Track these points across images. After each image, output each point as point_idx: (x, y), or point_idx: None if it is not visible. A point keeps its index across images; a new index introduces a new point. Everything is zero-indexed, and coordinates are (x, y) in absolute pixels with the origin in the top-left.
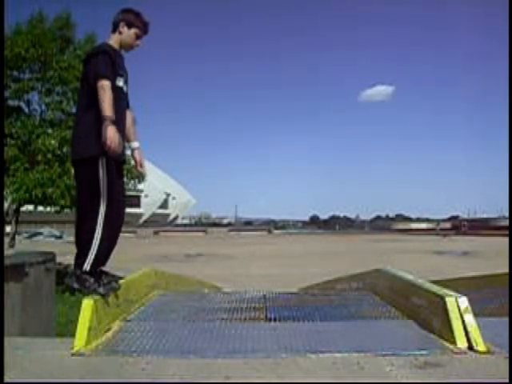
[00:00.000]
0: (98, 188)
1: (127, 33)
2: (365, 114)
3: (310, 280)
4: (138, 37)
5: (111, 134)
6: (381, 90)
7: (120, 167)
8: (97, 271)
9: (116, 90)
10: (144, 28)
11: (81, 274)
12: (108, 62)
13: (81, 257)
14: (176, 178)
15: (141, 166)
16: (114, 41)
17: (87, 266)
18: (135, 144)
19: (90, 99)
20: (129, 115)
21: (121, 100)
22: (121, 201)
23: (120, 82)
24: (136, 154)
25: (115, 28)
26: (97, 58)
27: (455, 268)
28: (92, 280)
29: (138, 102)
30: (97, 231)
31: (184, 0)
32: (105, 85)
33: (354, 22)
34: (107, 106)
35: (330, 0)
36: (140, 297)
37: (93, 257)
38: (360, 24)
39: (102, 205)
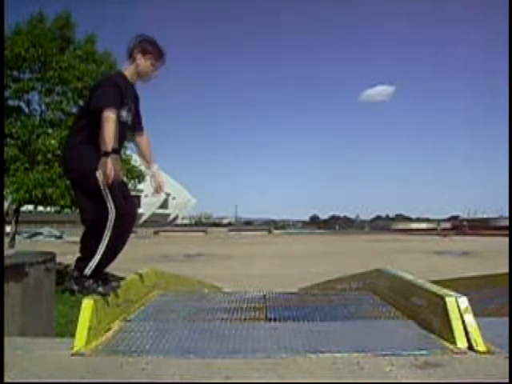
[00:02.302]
0: (102, 198)
1: (143, 63)
2: (365, 114)
3: (311, 280)
4: (154, 66)
5: (110, 165)
6: (381, 90)
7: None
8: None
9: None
10: (160, 57)
11: (80, 276)
12: (117, 94)
13: (83, 261)
14: (176, 178)
15: (161, 188)
16: (129, 71)
17: (88, 271)
18: (154, 167)
19: (88, 120)
20: (145, 138)
21: (123, 129)
22: (131, 208)
23: (123, 113)
24: (157, 177)
25: (130, 55)
26: (106, 89)
27: (455, 268)
28: (91, 281)
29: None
30: (104, 239)
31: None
32: (110, 117)
33: (355, 22)
34: (109, 140)
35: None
36: (140, 297)
37: (95, 263)
38: (361, 24)
39: (111, 212)
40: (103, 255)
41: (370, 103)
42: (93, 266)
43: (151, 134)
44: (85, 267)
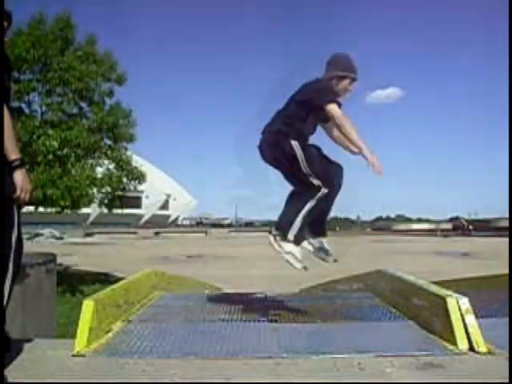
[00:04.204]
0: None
1: (340, 87)
2: (371, 116)
3: (311, 281)
4: (350, 85)
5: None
6: (389, 93)
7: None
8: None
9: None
10: (354, 76)
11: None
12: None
13: (284, 225)
14: (177, 179)
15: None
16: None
17: (291, 237)
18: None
19: (303, 112)
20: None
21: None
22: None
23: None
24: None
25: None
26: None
27: (456, 269)
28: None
29: (139, 101)
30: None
31: None
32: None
33: (360, 22)
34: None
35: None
36: (140, 298)
37: (296, 230)
38: (369, 24)
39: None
40: (303, 222)
41: (377, 105)
42: (294, 232)
43: (152, 134)
44: (288, 231)
